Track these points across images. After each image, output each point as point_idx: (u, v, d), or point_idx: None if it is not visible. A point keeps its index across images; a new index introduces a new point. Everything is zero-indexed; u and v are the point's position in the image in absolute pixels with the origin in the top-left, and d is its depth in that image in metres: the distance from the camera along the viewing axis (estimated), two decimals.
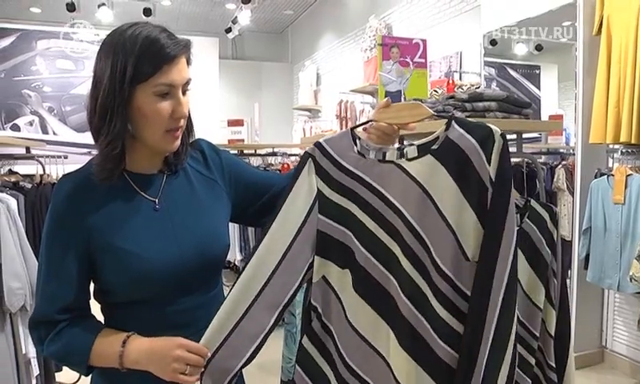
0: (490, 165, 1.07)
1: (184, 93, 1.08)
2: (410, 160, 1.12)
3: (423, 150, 1.12)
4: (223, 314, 1.10)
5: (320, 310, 1.19)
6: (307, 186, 1.17)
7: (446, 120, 1.13)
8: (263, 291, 1.12)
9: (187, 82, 1.08)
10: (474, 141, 1.08)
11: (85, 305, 1.11)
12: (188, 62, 1.09)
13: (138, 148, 1.10)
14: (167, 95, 1.05)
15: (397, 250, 1.12)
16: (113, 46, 1.03)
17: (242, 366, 1.11)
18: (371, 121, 1.21)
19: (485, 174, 1.07)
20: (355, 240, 1.16)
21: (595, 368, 3.55)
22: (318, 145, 1.20)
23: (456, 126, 1.11)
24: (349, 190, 1.17)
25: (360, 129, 1.22)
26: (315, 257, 1.17)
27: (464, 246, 1.09)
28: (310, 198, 1.17)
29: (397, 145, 1.22)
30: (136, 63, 1.00)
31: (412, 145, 1.14)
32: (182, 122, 1.09)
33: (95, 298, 1.14)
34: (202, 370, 1.06)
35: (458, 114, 1.59)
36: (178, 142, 1.11)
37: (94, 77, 1.05)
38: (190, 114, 1.15)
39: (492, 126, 1.09)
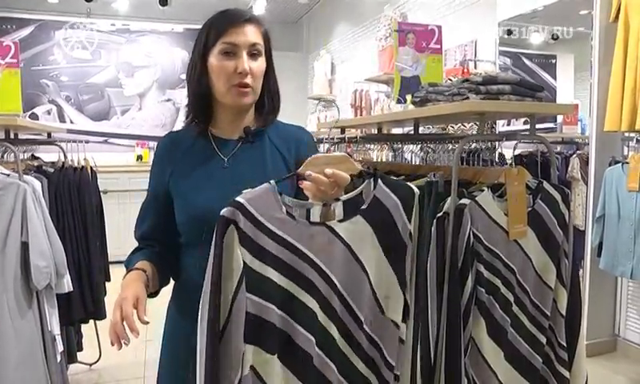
0: (410, 223, 1.11)
1: (252, 56, 1.28)
2: (341, 221, 1.06)
3: (352, 209, 1.08)
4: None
5: None
6: (231, 262, 0.98)
7: (372, 177, 1.10)
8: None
9: (253, 45, 1.27)
10: (397, 200, 1.10)
11: (158, 236, 1.34)
12: (262, 34, 1.31)
13: (222, 113, 1.34)
14: (232, 55, 1.26)
15: (334, 331, 1.07)
16: (199, 31, 1.32)
17: None
18: (296, 174, 1.11)
19: (405, 233, 1.10)
20: (289, 317, 1.03)
21: (608, 356, 3.54)
22: (239, 207, 0.99)
23: (382, 185, 1.09)
24: (277, 260, 1.02)
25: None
26: (245, 345, 1.00)
27: (385, 310, 1.11)
28: (237, 275, 0.98)
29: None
30: (208, 31, 1.28)
31: (338, 200, 1.08)
32: (249, 80, 1.27)
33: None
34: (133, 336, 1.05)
35: (472, 97, 1.61)
36: (247, 99, 1.29)
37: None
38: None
39: (413, 187, 1.12)
